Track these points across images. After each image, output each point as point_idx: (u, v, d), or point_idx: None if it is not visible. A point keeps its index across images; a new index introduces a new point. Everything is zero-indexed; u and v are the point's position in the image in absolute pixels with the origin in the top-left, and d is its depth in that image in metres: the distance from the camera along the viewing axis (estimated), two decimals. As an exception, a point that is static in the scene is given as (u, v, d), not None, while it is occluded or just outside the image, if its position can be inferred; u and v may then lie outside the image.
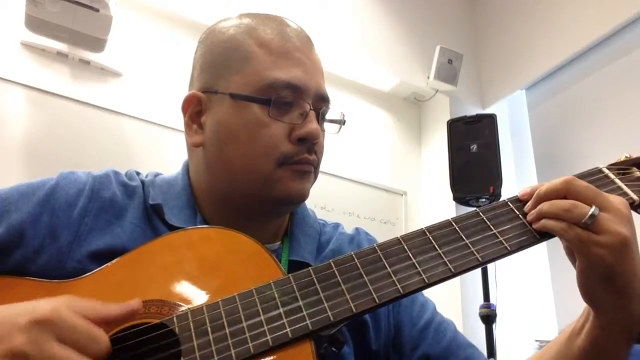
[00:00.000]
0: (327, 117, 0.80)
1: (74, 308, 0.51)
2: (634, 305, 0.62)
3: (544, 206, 0.64)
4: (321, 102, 0.77)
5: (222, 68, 0.76)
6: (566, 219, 0.61)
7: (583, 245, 0.61)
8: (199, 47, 0.82)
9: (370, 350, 0.77)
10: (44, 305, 0.49)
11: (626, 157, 0.74)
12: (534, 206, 0.65)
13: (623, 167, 0.73)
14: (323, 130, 0.80)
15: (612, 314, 0.63)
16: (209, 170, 0.77)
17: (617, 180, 0.70)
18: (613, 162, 0.75)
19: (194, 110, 0.78)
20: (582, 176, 0.71)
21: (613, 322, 0.63)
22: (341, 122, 0.83)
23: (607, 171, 0.71)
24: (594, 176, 0.71)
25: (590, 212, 0.60)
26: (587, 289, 0.63)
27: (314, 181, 0.79)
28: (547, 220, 0.63)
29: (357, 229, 0.89)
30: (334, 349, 0.62)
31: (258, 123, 0.72)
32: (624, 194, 0.68)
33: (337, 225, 0.89)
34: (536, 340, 2.06)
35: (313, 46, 0.80)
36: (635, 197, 0.68)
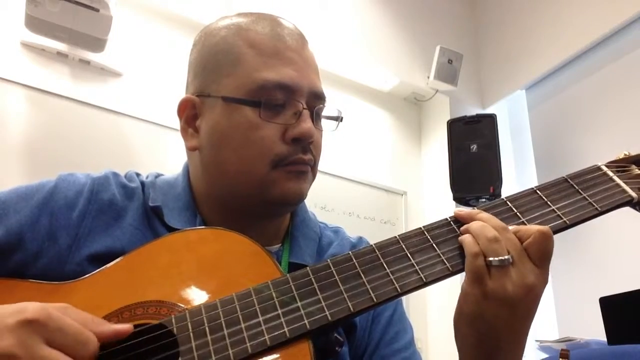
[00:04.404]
0: (324, 114, 0.79)
1: (67, 313, 0.51)
2: None
3: (474, 225, 0.63)
4: (316, 100, 0.76)
5: (214, 71, 0.76)
6: (481, 246, 0.61)
7: (475, 278, 0.60)
8: (193, 50, 0.81)
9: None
10: (33, 306, 0.49)
11: (625, 154, 0.74)
12: (469, 220, 0.65)
13: (622, 165, 0.72)
14: (320, 129, 0.79)
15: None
16: (206, 173, 0.77)
17: (615, 178, 0.69)
18: (612, 159, 0.74)
19: (189, 114, 0.78)
20: (581, 174, 0.71)
21: None
22: (338, 119, 0.82)
23: (605, 169, 0.71)
24: (593, 174, 0.71)
25: (503, 257, 0.59)
26: (456, 322, 0.64)
27: (312, 180, 0.78)
28: (468, 237, 0.62)
29: (360, 237, 0.88)
30: (337, 348, 0.62)
31: (250, 126, 0.72)
32: (623, 192, 0.68)
33: (337, 230, 0.88)
34: (536, 341, 2.06)
35: (306, 44, 0.79)
36: (633, 194, 0.67)
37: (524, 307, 0.60)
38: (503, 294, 0.59)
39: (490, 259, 0.59)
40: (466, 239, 0.62)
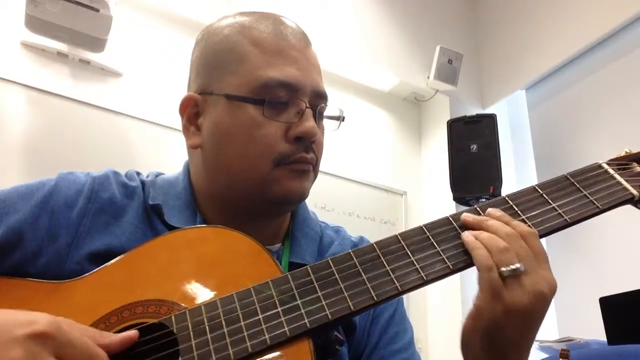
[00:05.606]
0: (326, 113, 0.79)
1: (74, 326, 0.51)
2: None
3: (484, 235, 0.63)
4: (318, 99, 0.76)
5: (217, 69, 0.76)
6: (494, 258, 0.60)
7: (493, 293, 0.59)
8: (195, 48, 0.81)
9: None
10: (43, 318, 0.49)
11: (626, 152, 0.74)
12: (477, 228, 0.64)
13: (623, 163, 0.72)
14: (322, 128, 0.79)
15: None
16: (208, 171, 0.77)
17: (616, 176, 0.69)
18: (613, 157, 0.74)
19: (191, 112, 0.78)
20: (581, 172, 0.71)
21: None
22: (340, 119, 0.82)
23: (606, 167, 0.71)
24: (594, 172, 0.71)
25: (515, 266, 0.59)
26: (466, 336, 0.63)
27: (314, 179, 0.78)
28: (481, 250, 0.61)
29: (361, 237, 0.88)
30: (337, 346, 0.62)
31: (253, 124, 0.72)
32: (624, 189, 0.68)
33: (338, 229, 0.88)
34: (536, 340, 2.06)
35: (309, 43, 0.79)
36: (635, 192, 0.67)
37: (535, 315, 0.60)
38: (521, 307, 0.58)
39: (503, 269, 0.59)
40: (478, 252, 0.61)
